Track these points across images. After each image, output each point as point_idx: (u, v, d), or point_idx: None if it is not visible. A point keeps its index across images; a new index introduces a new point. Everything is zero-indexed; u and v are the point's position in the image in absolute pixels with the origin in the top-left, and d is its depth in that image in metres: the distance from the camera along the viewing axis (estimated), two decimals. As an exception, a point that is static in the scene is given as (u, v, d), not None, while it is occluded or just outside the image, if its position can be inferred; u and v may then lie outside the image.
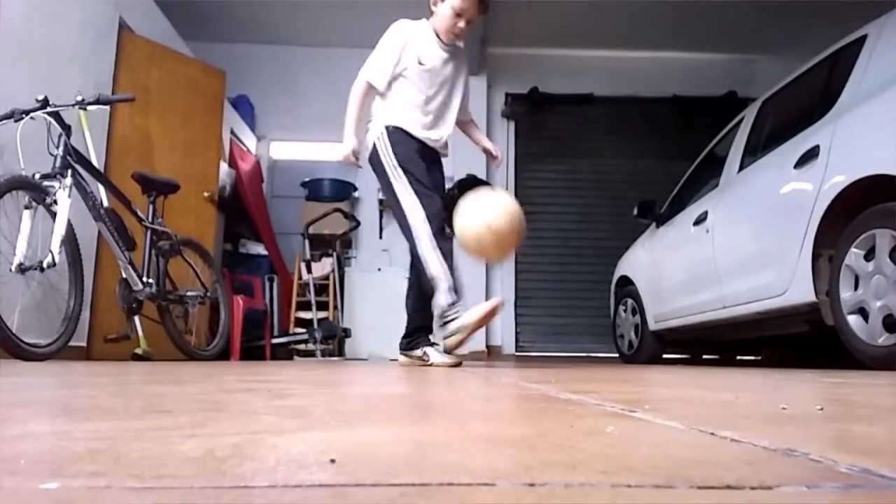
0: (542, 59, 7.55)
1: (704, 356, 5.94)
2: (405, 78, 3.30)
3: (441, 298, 3.06)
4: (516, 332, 7.29)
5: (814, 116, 3.17)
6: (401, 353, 3.55)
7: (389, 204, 3.34)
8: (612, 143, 7.57)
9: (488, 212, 2.84)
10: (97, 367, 2.74)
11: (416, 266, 3.22)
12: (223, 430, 0.73)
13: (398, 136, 3.27)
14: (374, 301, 6.52)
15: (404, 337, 3.53)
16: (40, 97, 3.16)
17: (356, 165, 3.40)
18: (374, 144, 3.29)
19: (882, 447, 0.67)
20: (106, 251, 3.92)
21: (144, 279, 3.74)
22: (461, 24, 3.24)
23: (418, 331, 3.46)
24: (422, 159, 3.29)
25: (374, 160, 3.31)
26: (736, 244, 3.70)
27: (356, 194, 7.12)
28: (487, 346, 6.98)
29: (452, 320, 3.04)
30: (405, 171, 3.19)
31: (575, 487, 0.45)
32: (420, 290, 3.32)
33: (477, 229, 2.82)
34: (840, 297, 2.80)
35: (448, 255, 3.10)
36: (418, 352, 3.39)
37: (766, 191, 3.45)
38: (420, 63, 3.28)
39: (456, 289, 3.10)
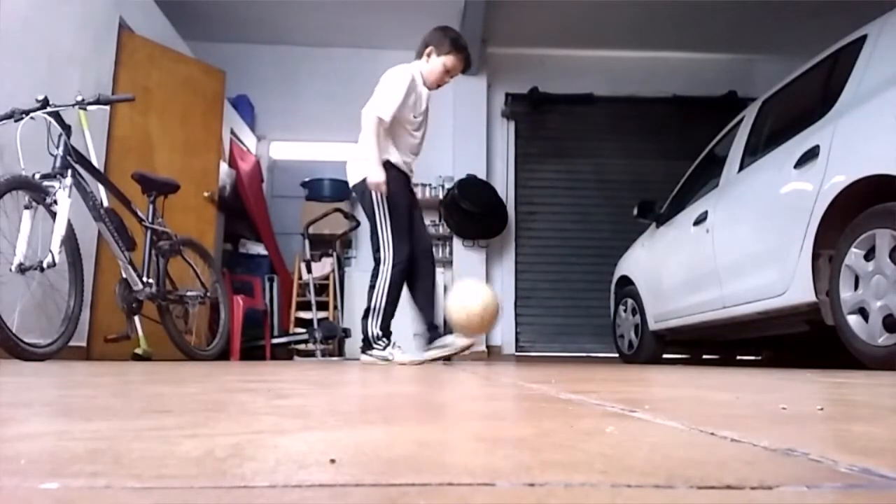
0: (542, 59, 7.54)
1: (704, 356, 5.94)
2: (401, 121, 3.64)
3: (372, 326, 3.59)
4: (516, 332, 7.28)
5: (814, 116, 3.16)
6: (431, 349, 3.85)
7: (371, 225, 3.71)
8: (612, 143, 7.56)
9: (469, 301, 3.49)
10: (97, 367, 2.74)
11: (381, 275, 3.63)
12: (223, 430, 0.73)
13: (389, 172, 3.59)
14: (374, 301, 6.52)
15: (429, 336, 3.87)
16: (40, 97, 3.15)
17: (387, 191, 3.66)
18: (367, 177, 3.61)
19: (882, 447, 0.67)
20: (106, 251, 3.92)
21: (144, 279, 3.74)
22: (447, 78, 3.69)
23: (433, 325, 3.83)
24: (405, 197, 3.70)
25: (365, 189, 3.63)
26: (736, 244, 3.69)
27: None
28: (487, 346, 6.98)
29: (387, 349, 3.57)
30: (389, 211, 3.61)
31: (575, 487, 0.45)
32: (421, 291, 3.78)
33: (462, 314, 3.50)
34: (840, 297, 2.79)
35: (396, 300, 3.64)
36: (447, 339, 3.74)
37: (766, 191, 3.44)
38: (415, 117, 3.66)
39: (383, 328, 3.62)
